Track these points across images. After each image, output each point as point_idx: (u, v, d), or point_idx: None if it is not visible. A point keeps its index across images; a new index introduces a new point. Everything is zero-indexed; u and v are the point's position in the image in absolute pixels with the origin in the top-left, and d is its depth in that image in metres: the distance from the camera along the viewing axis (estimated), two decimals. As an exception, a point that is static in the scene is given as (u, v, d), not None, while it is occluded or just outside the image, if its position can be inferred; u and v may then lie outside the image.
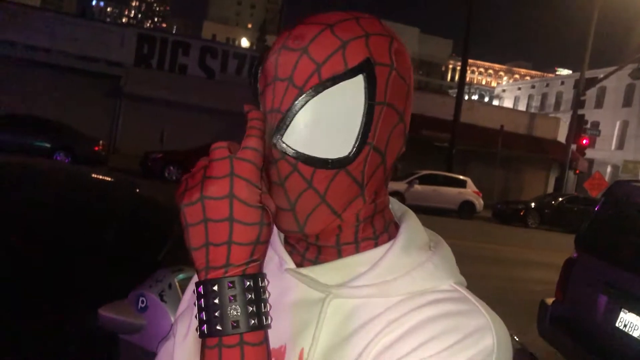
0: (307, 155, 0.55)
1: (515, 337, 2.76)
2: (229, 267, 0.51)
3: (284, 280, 0.63)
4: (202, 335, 0.52)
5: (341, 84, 0.54)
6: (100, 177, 2.65)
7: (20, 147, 13.76)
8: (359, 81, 0.55)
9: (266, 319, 0.53)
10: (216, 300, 0.51)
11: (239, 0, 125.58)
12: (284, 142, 0.55)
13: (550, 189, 26.11)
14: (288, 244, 0.65)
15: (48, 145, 14.66)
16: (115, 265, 1.77)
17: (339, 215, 0.58)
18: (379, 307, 0.58)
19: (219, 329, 0.51)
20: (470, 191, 18.43)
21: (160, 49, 22.38)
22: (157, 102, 20.35)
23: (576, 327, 4.07)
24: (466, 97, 32.15)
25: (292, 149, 0.55)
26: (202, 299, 0.51)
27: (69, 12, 60.71)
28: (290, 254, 0.64)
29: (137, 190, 2.48)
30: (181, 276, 1.27)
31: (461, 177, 18.92)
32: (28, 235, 1.81)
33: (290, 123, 0.55)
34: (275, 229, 0.65)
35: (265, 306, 0.53)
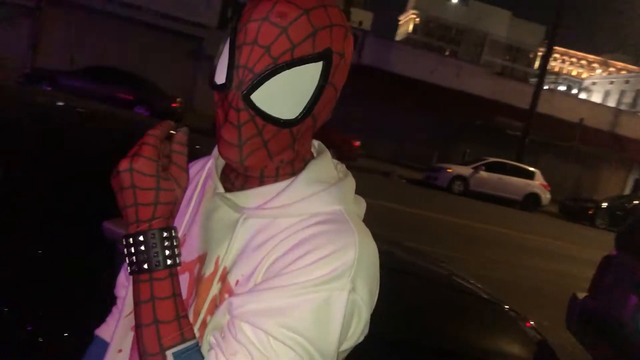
0: (265, 113, 0.69)
1: (533, 324, 2.82)
2: (139, 223, 0.70)
3: (215, 202, 0.80)
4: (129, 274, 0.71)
5: (307, 65, 0.69)
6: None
7: (104, 97, 14.40)
8: (319, 65, 0.69)
9: (171, 260, 0.70)
10: (131, 249, 0.70)
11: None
12: (250, 98, 0.69)
13: (627, 191, 24.64)
14: (223, 173, 0.83)
15: (130, 97, 15.39)
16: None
17: (271, 158, 0.74)
18: (280, 227, 0.73)
19: (134, 270, 0.70)
20: (537, 183, 17.74)
21: (243, 13, 22.79)
22: (235, 66, 20.82)
23: (603, 324, 4.04)
24: (550, 87, 30.53)
25: (256, 106, 0.69)
26: (124, 249, 0.70)
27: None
28: (223, 181, 0.81)
29: (197, 147, 2.72)
30: None
31: (530, 168, 18.21)
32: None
33: (259, 85, 0.68)
34: (214, 163, 0.85)
35: (170, 251, 0.70)
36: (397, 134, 22.90)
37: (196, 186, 0.86)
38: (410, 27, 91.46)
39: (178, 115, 16.34)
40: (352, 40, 0.74)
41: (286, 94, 0.69)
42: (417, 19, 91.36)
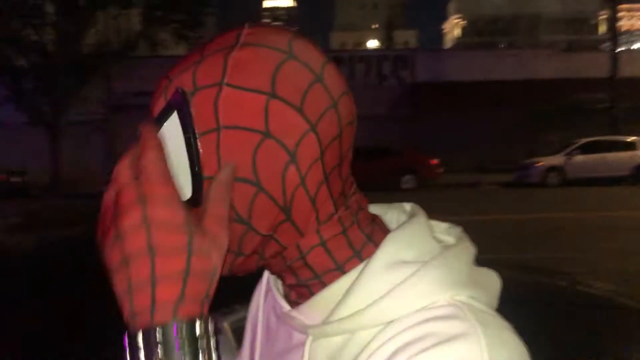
0: None
1: None
2: (155, 311, 0.43)
3: (281, 327, 0.60)
4: None
5: (166, 122, 0.50)
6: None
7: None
8: (175, 116, 0.50)
9: None
10: (141, 356, 0.42)
11: (361, 4, 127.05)
12: None
13: None
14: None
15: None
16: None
17: (237, 253, 0.52)
18: (357, 345, 0.50)
19: None
20: (642, 152, 16.31)
21: (290, 69, 23.46)
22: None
23: None
24: (623, 48, 28.69)
25: None
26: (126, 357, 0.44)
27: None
28: (285, 298, 0.59)
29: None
30: (233, 318, 1.19)
31: (629, 138, 16.86)
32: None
33: None
34: (271, 277, 0.62)
35: (205, 358, 0.44)
36: (474, 141, 22.18)
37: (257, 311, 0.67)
38: (458, 32, 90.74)
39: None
40: (253, 61, 0.49)
41: (172, 169, 0.48)
42: (463, 22, 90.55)
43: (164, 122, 0.50)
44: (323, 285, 0.53)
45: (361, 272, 0.51)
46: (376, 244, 0.53)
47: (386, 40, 75.40)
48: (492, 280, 0.55)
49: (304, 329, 0.54)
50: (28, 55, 17.98)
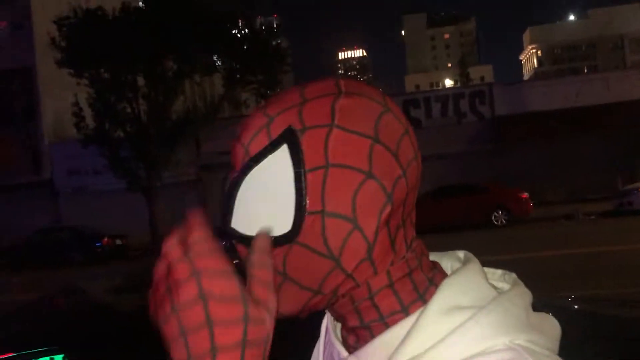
0: (248, 237, 0.53)
1: None
2: None
3: None
4: None
5: (268, 157, 0.53)
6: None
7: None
8: (283, 151, 0.53)
9: None
10: None
11: (432, 45, 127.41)
12: (232, 227, 0.55)
13: None
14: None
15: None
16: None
17: (316, 291, 0.54)
18: None
19: None
20: None
21: (367, 115, 23.82)
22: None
23: None
24: None
25: (238, 233, 0.54)
26: None
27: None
28: (343, 344, 0.61)
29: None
30: None
31: None
32: None
33: (231, 206, 0.55)
34: (329, 319, 0.63)
35: None
36: (564, 170, 21.12)
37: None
38: (535, 62, 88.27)
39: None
40: (359, 107, 0.54)
41: (265, 203, 0.53)
42: (539, 52, 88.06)
43: (268, 155, 0.54)
44: (386, 327, 0.54)
45: (419, 317, 0.52)
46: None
47: (461, 77, 74.69)
48: (551, 325, 0.55)
49: None
50: (124, 126, 19.47)
